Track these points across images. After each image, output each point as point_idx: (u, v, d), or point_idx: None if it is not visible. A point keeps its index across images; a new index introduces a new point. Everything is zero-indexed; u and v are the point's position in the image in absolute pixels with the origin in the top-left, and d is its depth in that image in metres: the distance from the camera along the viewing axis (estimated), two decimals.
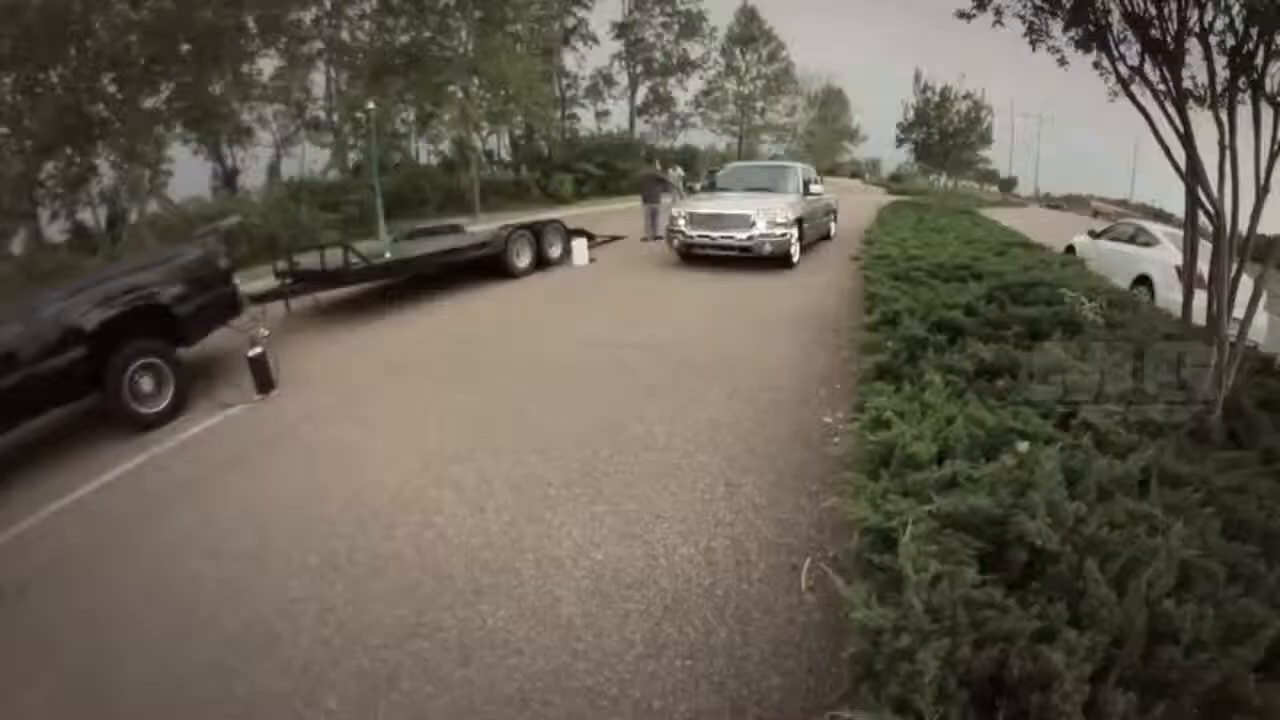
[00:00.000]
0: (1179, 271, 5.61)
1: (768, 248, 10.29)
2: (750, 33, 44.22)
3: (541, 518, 3.33)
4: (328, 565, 3.18)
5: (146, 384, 5.62)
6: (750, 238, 10.37)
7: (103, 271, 6.60)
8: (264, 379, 5.89)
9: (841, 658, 2.05)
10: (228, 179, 27.17)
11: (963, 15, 4.53)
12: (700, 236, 10.84)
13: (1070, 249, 11.12)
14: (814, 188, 12.46)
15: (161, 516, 4.08)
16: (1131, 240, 9.83)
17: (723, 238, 10.59)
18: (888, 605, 1.77)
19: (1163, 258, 8.04)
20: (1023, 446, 2.49)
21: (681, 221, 11.11)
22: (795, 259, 10.97)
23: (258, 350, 5.87)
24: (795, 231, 10.77)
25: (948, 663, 1.59)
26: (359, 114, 24.35)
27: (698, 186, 14.97)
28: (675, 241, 11.27)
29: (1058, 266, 6.51)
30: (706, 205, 11.42)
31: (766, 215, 10.41)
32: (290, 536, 3.52)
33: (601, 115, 42.46)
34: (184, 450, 5.06)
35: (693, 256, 11.21)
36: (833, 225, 14.85)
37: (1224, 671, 1.64)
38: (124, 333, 5.58)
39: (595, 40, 40.67)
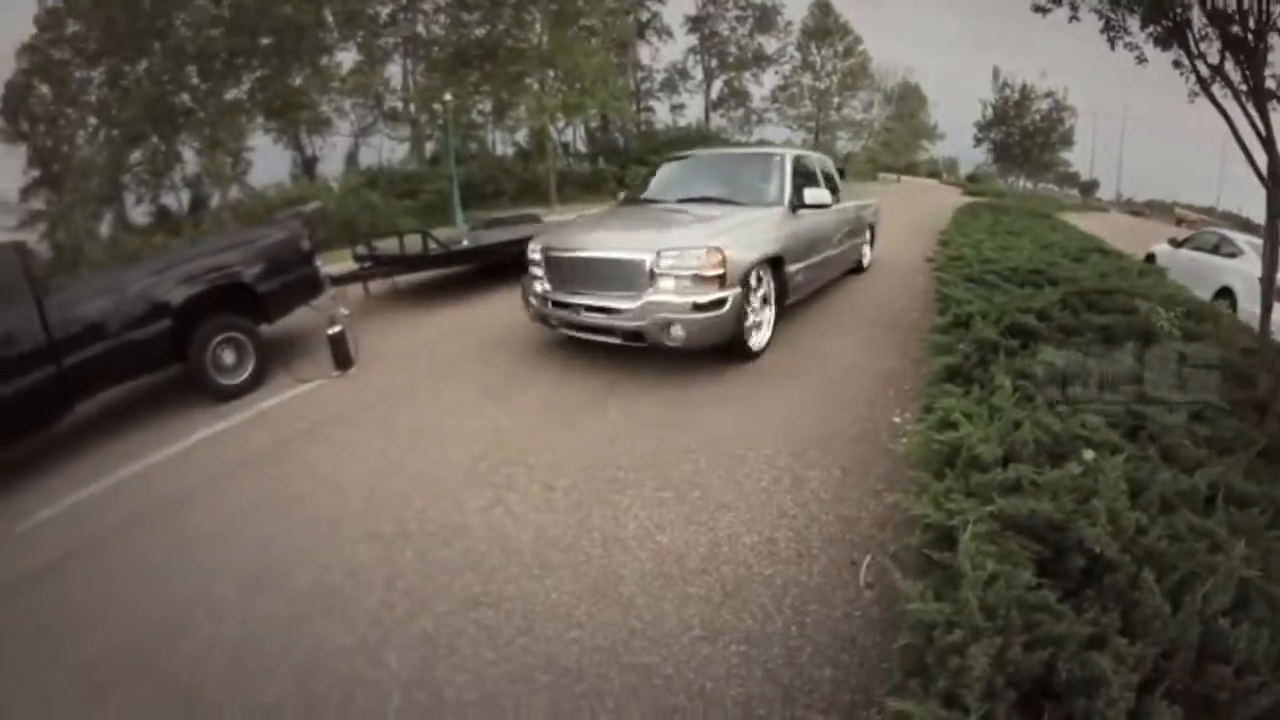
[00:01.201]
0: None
1: (677, 331, 4.85)
2: (825, 26, 43.46)
3: (609, 499, 3.41)
4: (398, 534, 3.31)
5: (228, 357, 5.95)
6: (641, 310, 4.96)
7: (189, 250, 6.93)
8: (342, 356, 6.13)
9: (894, 654, 2.05)
10: (306, 167, 28.07)
11: (1039, 9, 4.47)
12: (559, 304, 5.55)
13: (1150, 257, 10.75)
14: (814, 195, 6.35)
15: (236, 481, 4.29)
16: (1215, 250, 9.50)
17: (591, 308, 5.28)
18: (943, 601, 1.80)
19: (1246, 269, 7.75)
20: (1089, 455, 2.49)
21: (537, 268, 5.84)
22: (759, 343, 5.57)
23: (337, 329, 6.11)
24: (760, 288, 5.53)
25: (997, 662, 1.61)
26: (436, 105, 24.84)
27: (620, 196, 8.91)
28: (530, 307, 5.96)
29: (1135, 275, 6.34)
30: (576, 238, 5.80)
31: (678, 259, 4.93)
32: (362, 506, 3.66)
33: (677, 109, 42.57)
34: (262, 421, 5.31)
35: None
36: (867, 250, 9.41)
37: (1276, 696, 1.64)
38: (208, 308, 5.91)
39: (669, 34, 40.71)
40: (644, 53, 40.30)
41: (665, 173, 7.81)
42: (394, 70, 29.63)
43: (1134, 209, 45.46)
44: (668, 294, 4.91)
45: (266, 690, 2.44)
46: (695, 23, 42.11)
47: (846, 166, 30.02)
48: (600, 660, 2.34)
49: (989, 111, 40.90)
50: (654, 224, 5.84)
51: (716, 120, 43.42)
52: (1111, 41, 4.31)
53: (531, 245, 6.02)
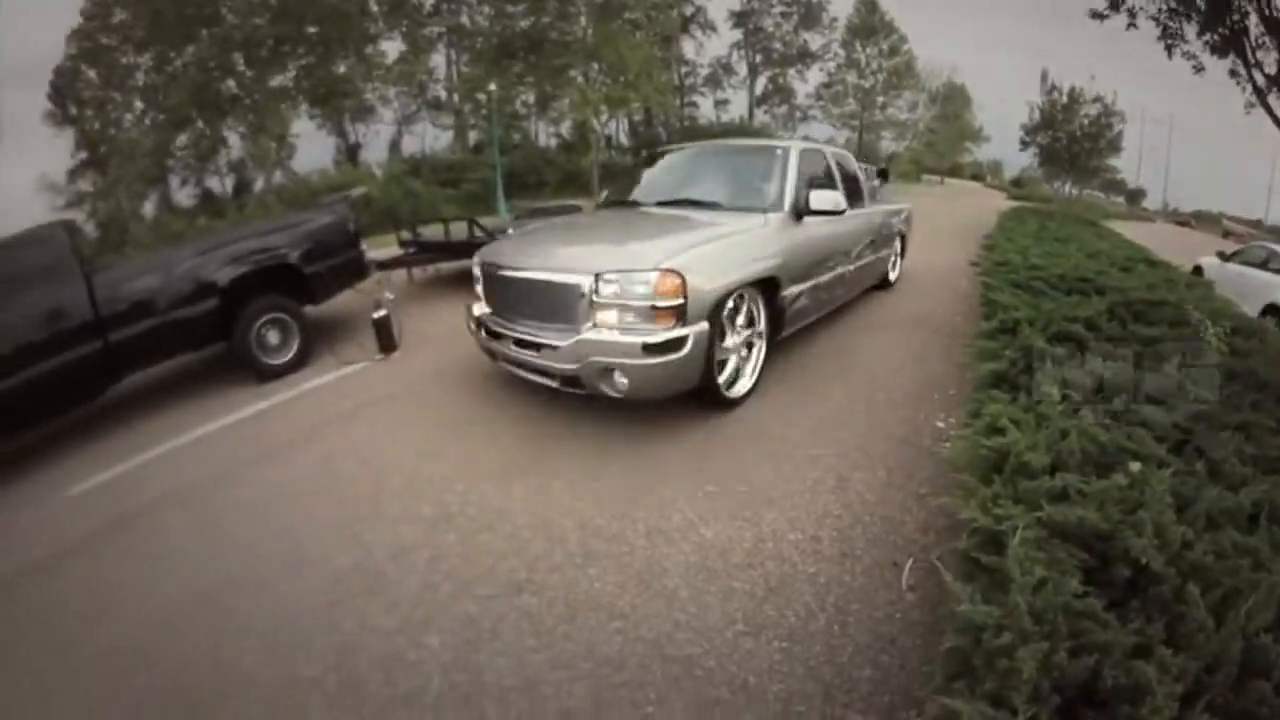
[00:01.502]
0: None
1: (619, 379, 3.84)
2: (871, 24, 43.00)
3: (654, 490, 3.45)
4: (440, 516, 3.38)
5: (273, 337, 6.12)
6: (574, 349, 3.93)
7: (237, 232, 7.10)
8: (386, 340, 6.25)
9: (935, 657, 2.08)
10: (349, 153, 28.42)
11: (1096, 15, 4.45)
12: (492, 332, 4.59)
13: (1197, 270, 10.58)
14: (824, 199, 5.12)
15: (279, 459, 4.40)
16: (1264, 265, 9.35)
17: (522, 342, 4.28)
18: (992, 604, 1.83)
19: None
20: (1135, 467, 2.49)
21: (478, 284, 5.00)
22: (742, 389, 4.55)
23: (382, 312, 6.23)
24: (742, 320, 4.49)
25: (1044, 666, 1.63)
26: (479, 95, 25.02)
27: (602, 196, 7.82)
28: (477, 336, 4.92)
29: (1183, 287, 6.25)
30: (518, 251, 4.73)
31: (623, 285, 3.85)
32: (405, 487, 3.73)
33: (721, 104, 42.42)
34: (305, 400, 5.45)
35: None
36: (896, 262, 8.32)
37: None
38: (254, 288, 6.07)
39: (713, 29, 40.52)
40: (688, 47, 40.23)
41: (652, 170, 6.68)
42: (438, 60, 29.96)
43: (1180, 219, 44.44)
44: (609, 330, 3.84)
45: (306, 666, 2.51)
46: (740, 18, 41.94)
47: (890, 167, 29.63)
48: (643, 651, 2.37)
49: (1036, 114, 40.31)
50: (609, 235, 4.85)
51: (760, 116, 43.16)
52: (1169, 49, 4.27)
53: (475, 257, 5.06)
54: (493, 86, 22.47)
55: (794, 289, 4.94)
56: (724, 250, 4.31)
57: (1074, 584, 1.85)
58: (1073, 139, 37.62)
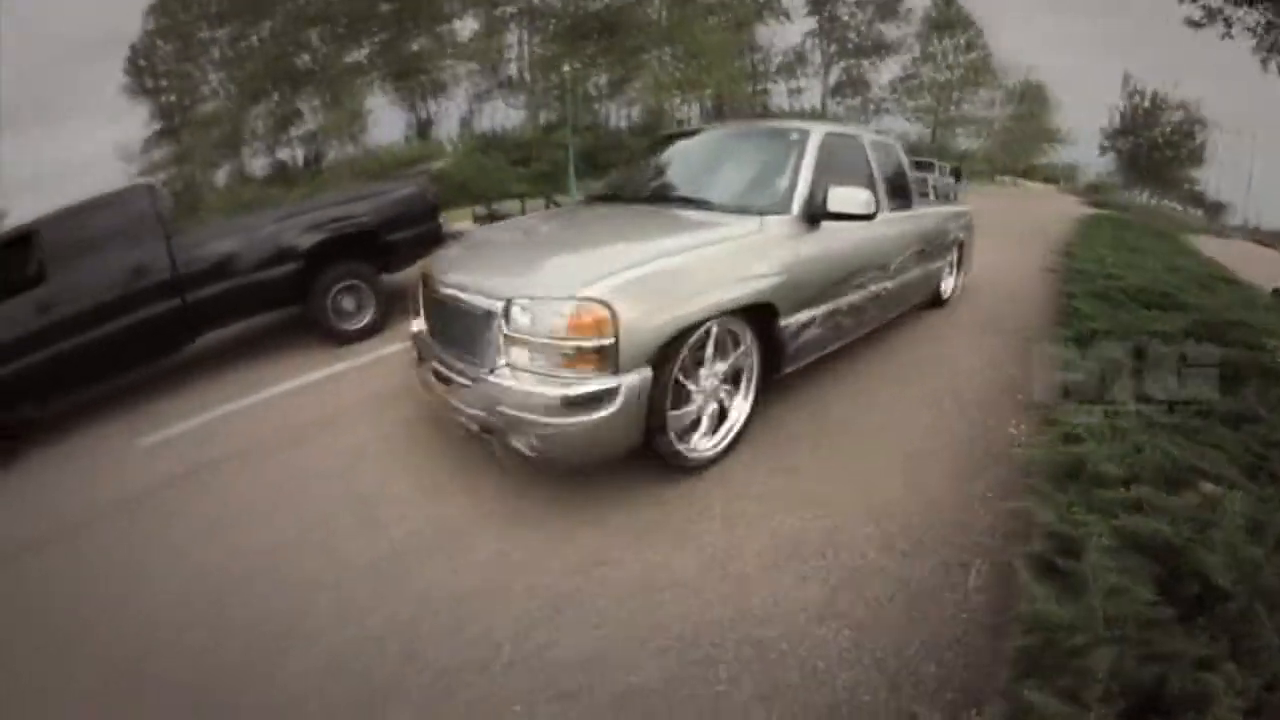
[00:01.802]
0: None
1: (531, 439, 3.00)
2: (948, 17, 41.98)
3: (726, 470, 3.55)
4: None
5: (348, 303, 6.41)
6: (481, 393, 3.13)
7: (320, 200, 7.39)
8: None
9: (999, 658, 2.15)
10: (421, 129, 28.84)
11: (1192, 24, 4.36)
12: (420, 359, 3.99)
13: (1277, 293, 10.25)
14: (845, 199, 3.92)
15: (351, 420, 4.58)
16: None
17: (439, 374, 3.57)
18: (1066, 605, 1.89)
19: None
20: (1209, 487, 2.52)
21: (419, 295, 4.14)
22: (710, 449, 3.61)
23: None
24: (715, 363, 3.54)
25: (1114, 669, 1.71)
26: (553, 75, 25.15)
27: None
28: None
29: (1263, 310, 6.12)
30: (456, 258, 4.01)
31: (533, 317, 2.94)
32: None
33: (794, 93, 41.59)
34: (378, 366, 5.65)
35: None
36: (953, 275, 7.08)
37: None
38: (333, 255, 6.31)
39: (788, 16, 39.87)
40: (762, 34, 39.69)
41: (651, 157, 5.62)
42: (510, 39, 30.10)
43: (1261, 239, 42.53)
44: (521, 372, 2.99)
45: (373, 624, 2.64)
46: (815, 5, 41.22)
47: (964, 165, 28.81)
48: (717, 631, 2.46)
49: (1117, 118, 39.00)
50: (548, 244, 4.00)
51: (833, 107, 42.46)
52: (1264, 62, 4.18)
53: (424, 262, 4.37)
54: (567, 67, 22.59)
55: (801, 315, 3.92)
56: (687, 269, 3.25)
57: (1146, 593, 1.91)
58: (1154, 146, 36.35)
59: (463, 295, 3.35)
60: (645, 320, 2.96)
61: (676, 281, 3.17)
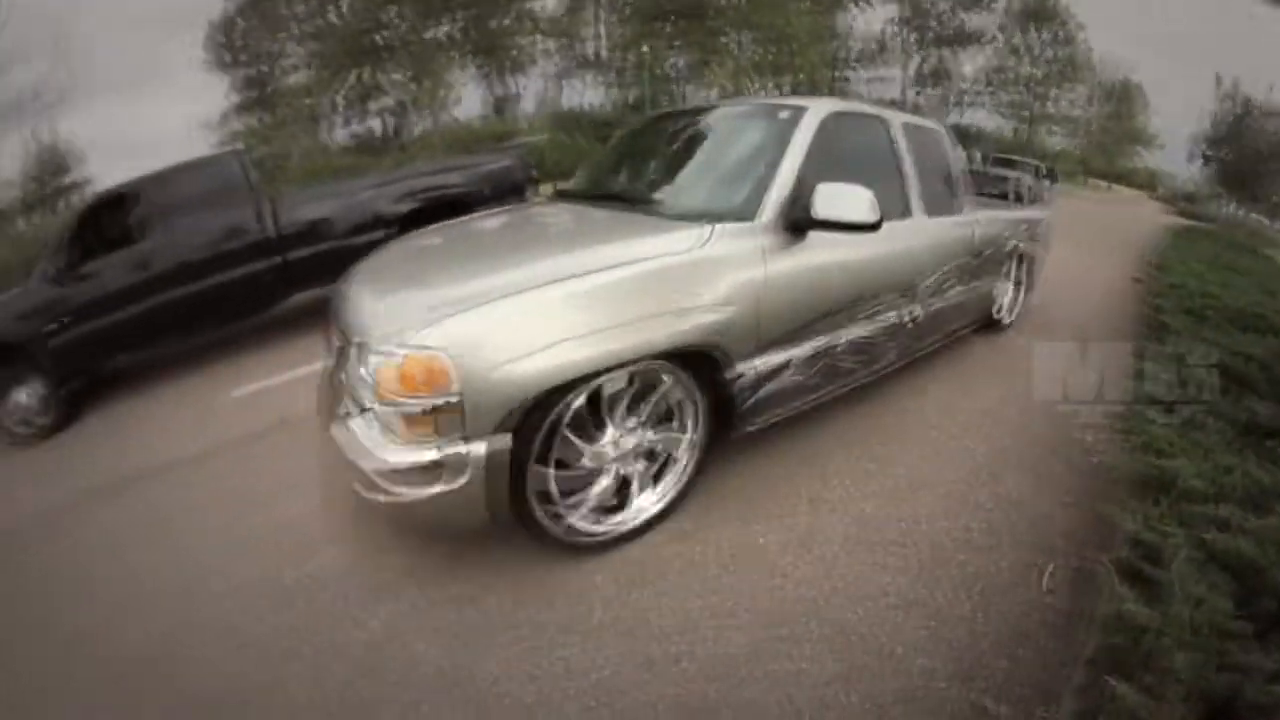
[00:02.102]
0: None
1: (383, 497, 2.36)
2: (1042, 8, 39.90)
3: (816, 463, 3.65)
4: None
5: None
6: (342, 439, 2.54)
7: (415, 168, 7.75)
8: None
9: (1070, 658, 2.23)
10: (502, 104, 29.27)
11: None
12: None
13: None
14: (839, 203, 2.94)
15: None
16: None
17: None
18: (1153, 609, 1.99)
19: None
20: None
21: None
22: (615, 526, 2.92)
23: None
24: (629, 431, 2.82)
25: (1193, 674, 1.80)
26: (630, 56, 25.17)
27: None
28: None
29: None
30: (356, 276, 3.28)
31: (368, 366, 2.36)
32: None
33: (874, 81, 39.85)
34: None
35: None
36: (1016, 293, 6.08)
37: None
38: (426, 222, 6.63)
39: (869, 1, 38.74)
40: (842, 19, 38.63)
41: (627, 143, 4.74)
42: (590, 18, 30.12)
43: None
44: (371, 426, 2.46)
45: (454, 586, 2.79)
46: None
47: (1056, 166, 27.72)
48: (803, 609, 2.58)
49: (1210, 124, 37.06)
50: (435, 260, 3.32)
51: (913, 98, 41.20)
52: None
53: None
54: (646, 48, 22.63)
55: (769, 359, 3.09)
56: (576, 302, 2.46)
57: (1228, 606, 2.00)
58: (1258, 157, 34.49)
59: (364, 313, 2.71)
60: (505, 373, 2.28)
61: (556, 320, 2.40)
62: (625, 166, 4.38)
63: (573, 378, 2.40)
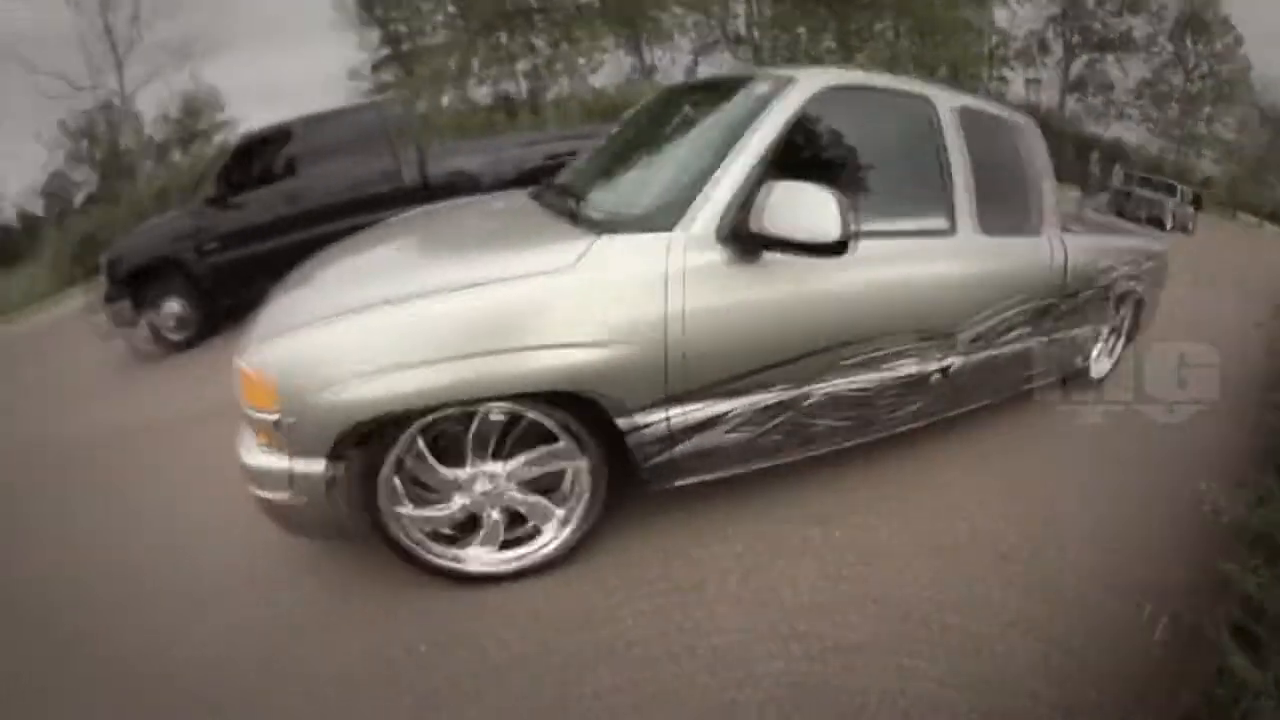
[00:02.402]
0: None
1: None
2: (1204, 19, 36.81)
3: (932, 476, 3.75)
4: None
5: None
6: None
7: (564, 130, 8.28)
8: None
9: (1174, 708, 2.31)
10: (644, 73, 29.43)
11: None
12: None
13: None
14: (796, 210, 2.26)
15: None
16: None
17: None
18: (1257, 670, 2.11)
19: None
20: None
21: None
22: (513, 564, 2.73)
23: None
24: (482, 455, 2.50)
25: None
26: (779, 36, 24.76)
27: None
28: None
29: None
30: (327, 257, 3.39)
31: (235, 370, 2.37)
32: None
33: (1031, 84, 37.85)
34: None
35: None
36: (1103, 344, 4.92)
37: None
38: None
39: None
40: (1000, 15, 35.91)
41: (622, 123, 4.07)
42: None
43: None
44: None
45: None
46: None
47: (1204, 194, 25.84)
48: (926, 609, 2.74)
49: None
50: (341, 262, 3.15)
51: (1071, 104, 38.65)
52: None
53: None
54: (801, 29, 22.22)
55: (689, 410, 2.56)
56: (421, 326, 2.23)
57: None
58: None
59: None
60: (325, 398, 2.15)
61: (391, 346, 2.20)
62: (604, 155, 3.67)
63: (400, 410, 2.20)
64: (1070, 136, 26.97)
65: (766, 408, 2.69)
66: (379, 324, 2.20)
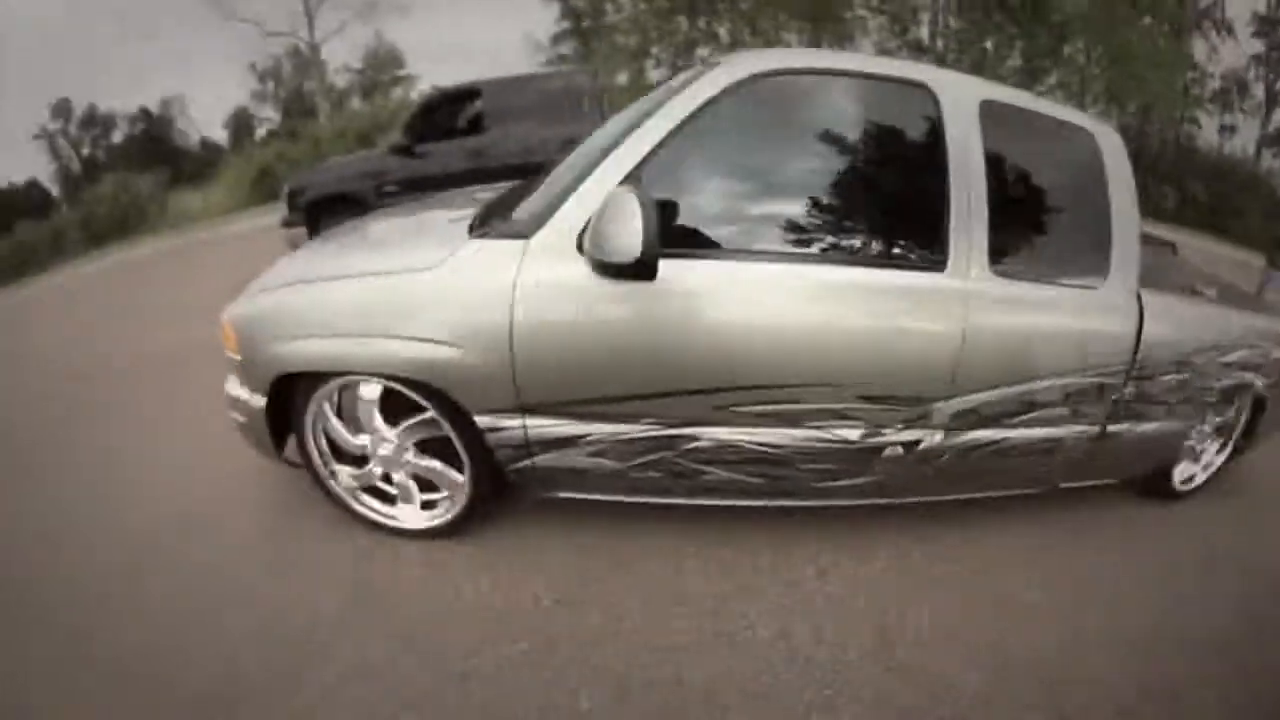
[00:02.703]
0: None
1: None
2: None
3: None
4: None
5: None
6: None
7: None
8: None
9: None
10: None
11: None
12: None
13: None
14: (607, 226, 2.00)
15: None
16: None
17: None
18: None
19: None
20: None
21: None
22: (401, 516, 3.03)
23: None
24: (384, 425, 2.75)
25: None
26: (962, 46, 24.06)
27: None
28: None
29: None
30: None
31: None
32: None
33: (1226, 130, 32.58)
34: None
35: None
36: (1205, 453, 3.59)
37: None
38: None
39: (1231, 31, 32.27)
40: (1198, 48, 31.55)
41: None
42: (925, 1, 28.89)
43: None
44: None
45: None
46: (1264, 24, 32.72)
47: None
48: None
49: None
50: (336, 238, 3.51)
51: (1269, 159, 32.06)
52: None
53: None
54: (989, 43, 21.50)
55: (544, 424, 2.48)
56: (332, 303, 2.53)
57: None
58: None
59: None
60: (254, 352, 2.65)
61: (313, 315, 2.54)
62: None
63: (313, 370, 2.59)
64: (1264, 196, 23.64)
65: (633, 439, 2.49)
66: (299, 299, 2.62)
